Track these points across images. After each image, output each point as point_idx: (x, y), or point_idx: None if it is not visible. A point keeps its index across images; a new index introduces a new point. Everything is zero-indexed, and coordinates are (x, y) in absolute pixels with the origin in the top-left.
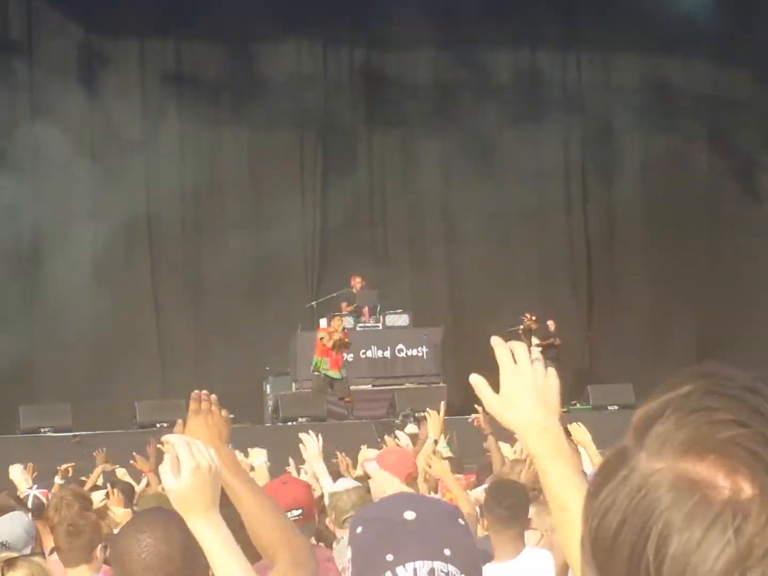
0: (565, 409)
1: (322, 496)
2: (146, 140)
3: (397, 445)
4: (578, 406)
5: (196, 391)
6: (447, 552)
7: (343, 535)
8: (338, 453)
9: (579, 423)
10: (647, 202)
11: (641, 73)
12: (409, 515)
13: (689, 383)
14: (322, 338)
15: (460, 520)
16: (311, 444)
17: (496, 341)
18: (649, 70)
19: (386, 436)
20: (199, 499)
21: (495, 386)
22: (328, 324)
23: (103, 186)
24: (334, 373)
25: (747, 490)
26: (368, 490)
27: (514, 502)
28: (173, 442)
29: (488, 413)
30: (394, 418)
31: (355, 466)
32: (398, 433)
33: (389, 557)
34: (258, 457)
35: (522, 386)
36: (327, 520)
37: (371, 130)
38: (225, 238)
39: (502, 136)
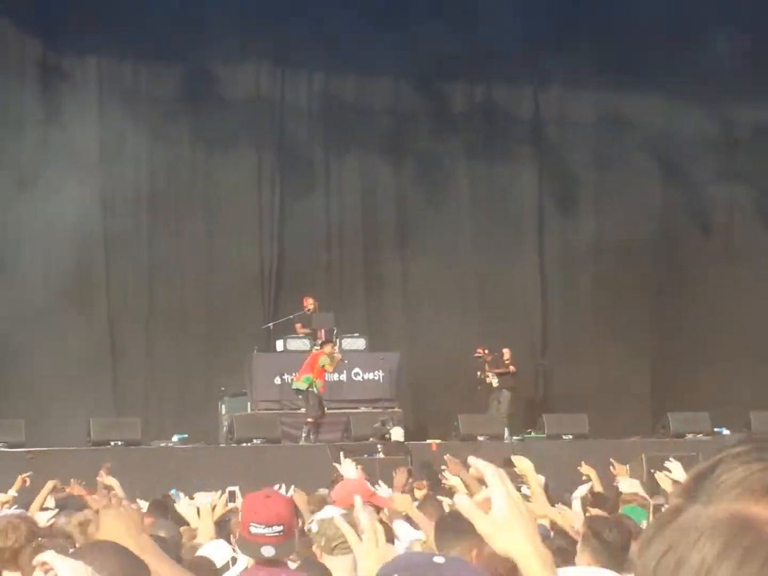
0: (519, 438)
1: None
2: (102, 158)
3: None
4: (533, 434)
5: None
6: None
7: (331, 562)
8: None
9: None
10: (602, 234)
11: (596, 107)
12: (439, 559)
13: (738, 446)
14: (323, 365)
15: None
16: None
17: (476, 462)
18: (604, 104)
19: (334, 464)
20: None
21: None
22: (321, 347)
23: (59, 202)
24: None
25: None
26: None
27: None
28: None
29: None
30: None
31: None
32: (345, 463)
33: None
34: (202, 498)
35: (515, 513)
36: (314, 547)
37: (329, 154)
38: (180, 258)
39: (459, 166)
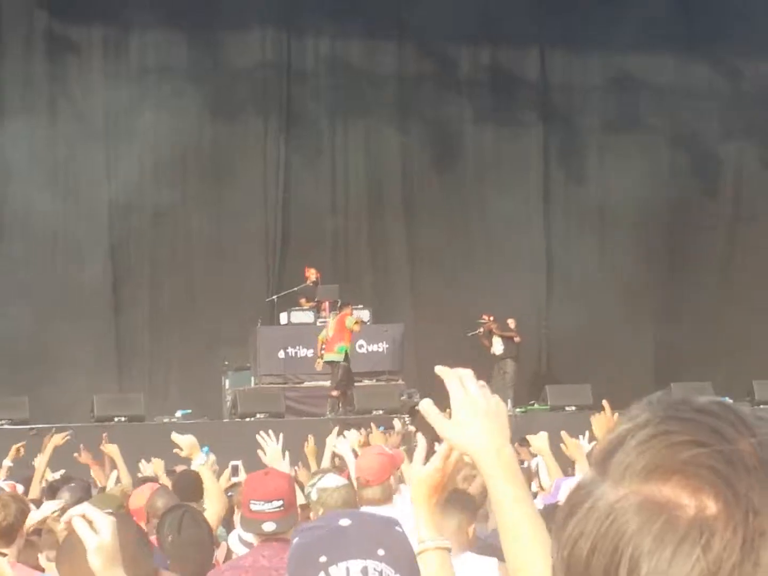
0: (522, 409)
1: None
2: (109, 127)
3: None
4: (536, 406)
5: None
6: (381, 552)
7: None
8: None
9: (542, 432)
10: (609, 199)
11: (603, 69)
12: (345, 522)
13: (645, 412)
14: (352, 327)
15: (398, 528)
16: (270, 446)
17: (441, 370)
18: (613, 66)
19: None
20: (118, 554)
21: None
22: (340, 312)
23: (65, 172)
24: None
25: (711, 507)
26: (353, 490)
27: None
28: (80, 511)
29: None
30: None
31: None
32: (339, 445)
33: (323, 558)
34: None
35: (474, 411)
36: (311, 515)
37: (335, 120)
38: (185, 229)
39: (465, 131)
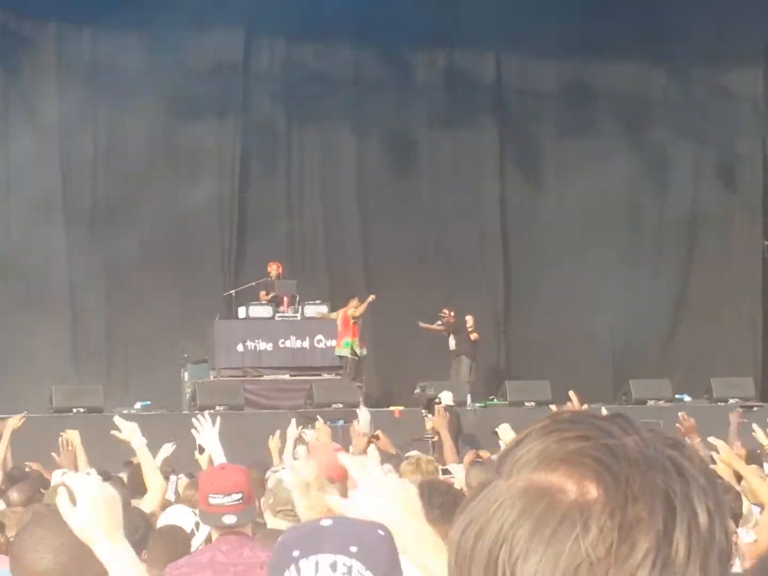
0: (481, 404)
1: None
2: (62, 126)
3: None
4: (495, 401)
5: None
6: (353, 549)
7: (271, 522)
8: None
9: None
10: (565, 202)
11: (559, 74)
12: (326, 522)
13: (544, 421)
14: (353, 316)
15: (380, 531)
16: (205, 426)
17: (344, 460)
18: (569, 72)
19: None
20: (98, 525)
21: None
22: (345, 305)
23: (17, 169)
24: (362, 351)
25: (593, 491)
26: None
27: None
28: (66, 480)
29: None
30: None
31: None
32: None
33: (295, 553)
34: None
35: (381, 492)
36: (262, 500)
37: (291, 123)
38: (141, 224)
39: (421, 135)
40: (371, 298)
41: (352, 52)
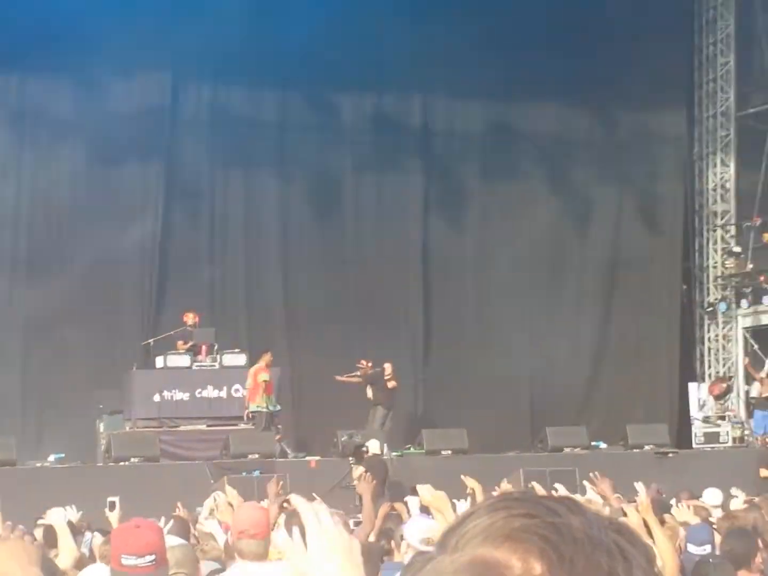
0: (398, 453)
1: None
2: None
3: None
4: (412, 449)
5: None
6: None
7: None
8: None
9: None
10: (488, 244)
11: (484, 117)
12: None
13: (492, 499)
14: (264, 380)
15: None
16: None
17: (296, 501)
18: (494, 114)
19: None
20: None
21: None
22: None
23: None
24: (276, 406)
25: (537, 568)
26: (192, 550)
27: None
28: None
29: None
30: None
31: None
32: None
33: None
34: (54, 515)
35: (329, 546)
36: None
37: (214, 167)
38: (62, 273)
39: (347, 178)
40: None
41: (277, 96)
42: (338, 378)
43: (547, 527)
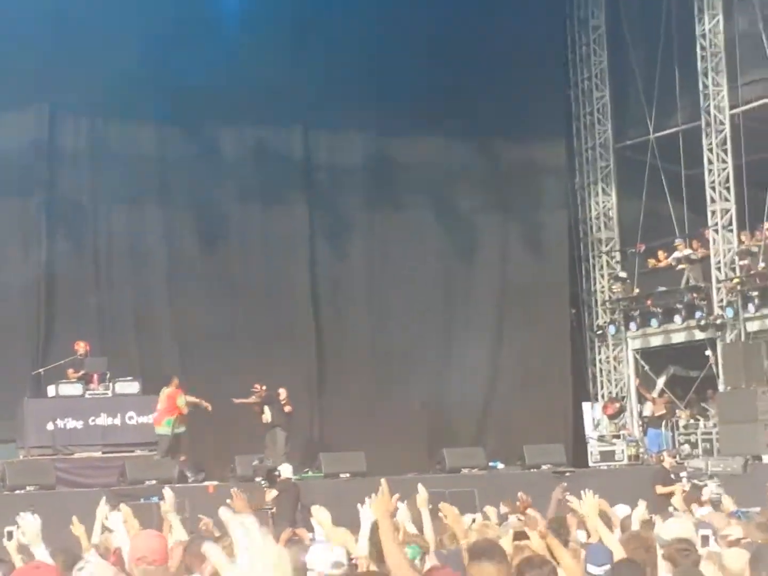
0: (297, 477)
1: None
2: None
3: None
4: (310, 473)
5: None
6: None
7: None
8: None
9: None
10: (375, 272)
11: (366, 149)
12: None
13: None
14: (181, 406)
15: None
16: (31, 526)
17: (225, 515)
18: (375, 146)
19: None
20: None
21: None
22: (168, 386)
23: None
24: (181, 428)
25: None
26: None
27: None
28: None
29: None
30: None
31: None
32: (111, 519)
33: None
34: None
35: (259, 558)
36: None
37: (97, 200)
38: None
39: (232, 210)
40: (208, 407)
41: (156, 129)
42: (235, 400)
43: None
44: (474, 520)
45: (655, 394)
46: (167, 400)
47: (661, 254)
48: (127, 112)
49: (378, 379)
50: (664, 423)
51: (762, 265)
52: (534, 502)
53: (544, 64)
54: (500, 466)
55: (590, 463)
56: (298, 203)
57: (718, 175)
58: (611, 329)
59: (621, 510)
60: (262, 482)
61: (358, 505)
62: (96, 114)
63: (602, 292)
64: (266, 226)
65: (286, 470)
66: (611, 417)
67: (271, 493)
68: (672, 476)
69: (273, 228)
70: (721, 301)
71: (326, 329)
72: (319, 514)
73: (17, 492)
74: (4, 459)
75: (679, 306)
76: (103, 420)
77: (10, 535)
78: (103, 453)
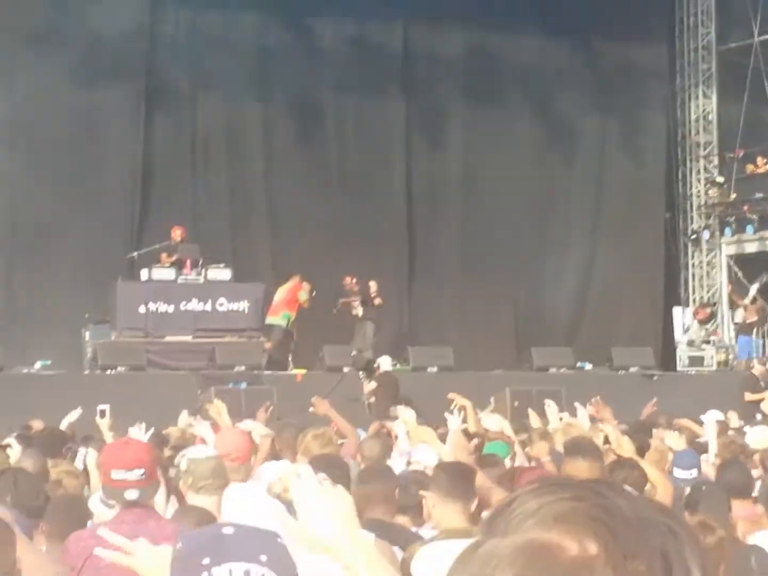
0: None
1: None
2: None
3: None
4: (398, 366)
5: None
6: (263, 558)
7: (195, 499)
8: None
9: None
10: (470, 169)
11: (466, 44)
12: (228, 530)
13: (534, 484)
14: (303, 301)
15: (279, 540)
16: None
17: (282, 468)
18: (476, 41)
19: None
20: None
21: None
22: (289, 280)
23: None
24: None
25: (592, 548)
26: (222, 462)
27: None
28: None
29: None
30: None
31: None
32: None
33: (205, 560)
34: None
35: (320, 507)
36: (180, 483)
37: (196, 88)
38: (42, 182)
39: (327, 101)
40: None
41: (258, 18)
42: (342, 300)
43: (597, 509)
44: (561, 419)
45: (747, 301)
46: (288, 292)
47: (760, 160)
48: (226, 1)
49: (469, 276)
50: (755, 330)
51: None
52: (621, 404)
53: None
54: (588, 366)
55: (678, 368)
56: (395, 96)
57: None
58: (705, 234)
59: (713, 415)
60: (360, 373)
61: (446, 413)
62: (197, 3)
63: (698, 196)
64: (363, 117)
65: (385, 363)
66: (702, 322)
67: (370, 385)
68: (762, 383)
69: (370, 120)
70: None
71: (419, 223)
72: (404, 413)
73: (108, 372)
74: (96, 340)
75: None
76: (194, 305)
77: (102, 413)
78: (194, 337)
